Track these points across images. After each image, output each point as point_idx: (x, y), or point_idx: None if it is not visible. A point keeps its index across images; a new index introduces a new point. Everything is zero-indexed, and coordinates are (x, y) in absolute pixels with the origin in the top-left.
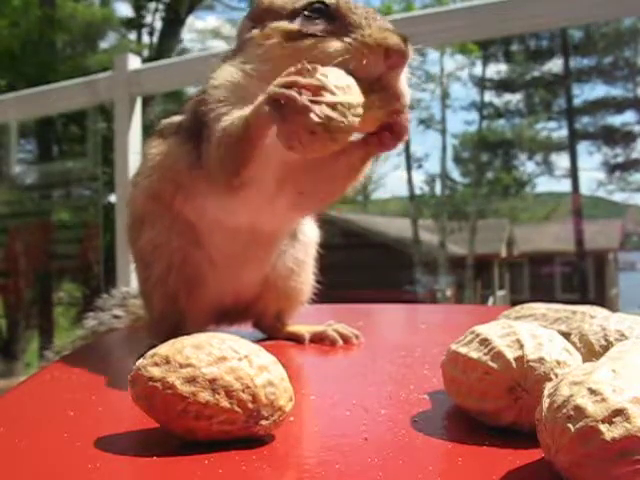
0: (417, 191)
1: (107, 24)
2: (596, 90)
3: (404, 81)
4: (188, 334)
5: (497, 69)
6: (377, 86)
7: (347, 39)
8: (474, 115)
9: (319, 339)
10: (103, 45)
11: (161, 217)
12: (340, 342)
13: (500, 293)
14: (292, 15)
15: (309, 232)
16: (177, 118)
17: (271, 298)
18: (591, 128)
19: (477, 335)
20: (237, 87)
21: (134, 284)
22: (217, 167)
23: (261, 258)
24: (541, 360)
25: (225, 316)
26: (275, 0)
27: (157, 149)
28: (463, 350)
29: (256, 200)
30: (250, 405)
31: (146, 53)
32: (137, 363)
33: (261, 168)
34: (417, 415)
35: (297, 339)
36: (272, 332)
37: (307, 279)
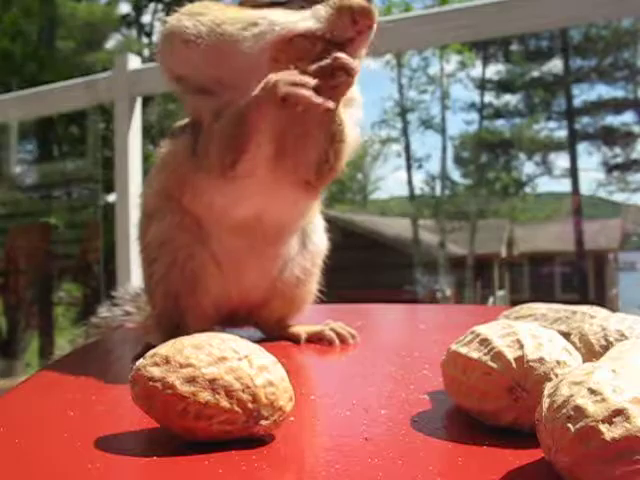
0: (417, 191)
1: (107, 23)
2: (596, 91)
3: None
4: (188, 334)
5: (497, 69)
6: (345, 51)
7: (316, 6)
8: (474, 116)
9: (317, 339)
10: (104, 45)
11: (170, 213)
12: (337, 342)
13: (500, 293)
14: None
15: (318, 242)
16: (186, 120)
17: (277, 305)
18: (591, 129)
19: (477, 335)
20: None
21: (134, 284)
22: (213, 158)
23: (266, 259)
24: (541, 360)
25: (228, 319)
26: None
27: (166, 149)
28: (463, 350)
29: (257, 184)
30: (250, 405)
31: (146, 53)
32: (137, 363)
33: (256, 156)
34: (417, 415)
35: (294, 339)
36: (272, 333)
37: (313, 288)
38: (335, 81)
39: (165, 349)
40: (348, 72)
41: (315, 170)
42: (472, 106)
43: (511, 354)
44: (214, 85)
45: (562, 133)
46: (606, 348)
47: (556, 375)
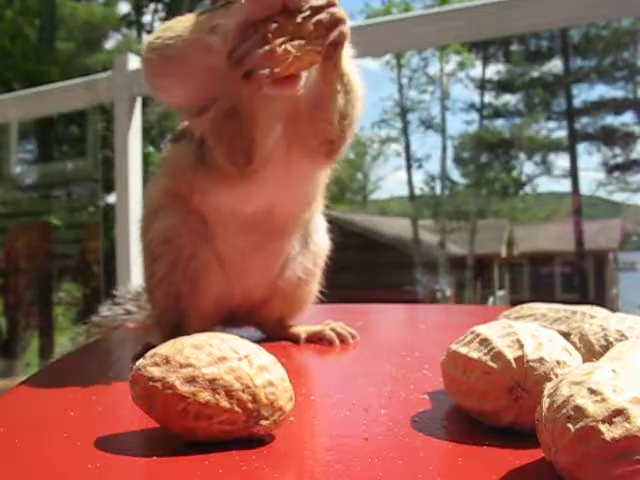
0: (417, 191)
1: (107, 23)
2: (596, 91)
3: None
4: (189, 334)
5: (496, 70)
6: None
7: None
8: (474, 115)
9: (317, 339)
10: (104, 45)
11: (174, 210)
12: (337, 342)
13: (500, 293)
14: None
15: (320, 242)
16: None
17: (277, 305)
18: (591, 129)
19: (477, 335)
20: None
21: (134, 284)
22: (225, 164)
23: (270, 256)
24: (541, 360)
25: (229, 319)
26: None
27: (170, 152)
28: (463, 350)
29: (270, 175)
30: (250, 405)
31: None
32: (137, 363)
33: (268, 141)
34: (417, 415)
35: (294, 339)
36: (272, 333)
37: (314, 288)
38: (335, 36)
39: (165, 349)
40: (342, 21)
41: (335, 128)
42: (472, 106)
43: (511, 354)
44: (205, 98)
45: (562, 133)
46: (606, 348)
47: (556, 375)
